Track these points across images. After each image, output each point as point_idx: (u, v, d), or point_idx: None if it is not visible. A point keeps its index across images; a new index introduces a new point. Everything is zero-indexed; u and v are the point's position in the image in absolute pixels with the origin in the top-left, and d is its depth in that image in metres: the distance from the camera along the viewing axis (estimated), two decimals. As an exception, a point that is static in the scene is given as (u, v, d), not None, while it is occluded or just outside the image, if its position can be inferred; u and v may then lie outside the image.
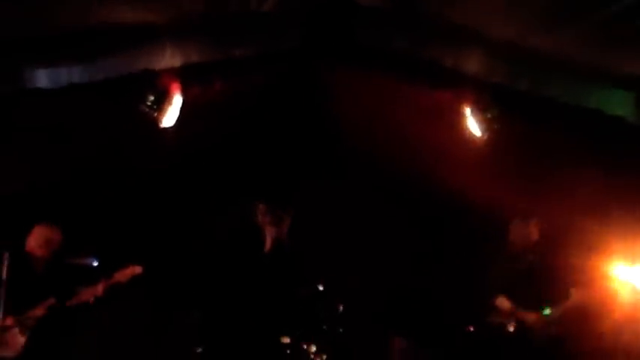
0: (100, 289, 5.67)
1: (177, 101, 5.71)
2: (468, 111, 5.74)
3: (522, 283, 6.00)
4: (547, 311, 5.86)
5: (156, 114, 5.66)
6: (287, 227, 5.56)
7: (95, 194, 6.52)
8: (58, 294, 5.61)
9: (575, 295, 5.81)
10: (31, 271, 5.66)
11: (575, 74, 5.34)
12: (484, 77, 5.45)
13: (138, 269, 5.82)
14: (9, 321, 5.34)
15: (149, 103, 5.62)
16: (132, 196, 6.79)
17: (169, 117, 5.74)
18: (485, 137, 5.76)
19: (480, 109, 5.68)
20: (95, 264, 6.13)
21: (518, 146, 6.00)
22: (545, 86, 5.44)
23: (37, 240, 5.72)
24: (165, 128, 5.73)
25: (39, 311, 5.52)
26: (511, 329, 5.96)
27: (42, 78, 5.23)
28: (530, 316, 5.88)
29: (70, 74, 5.30)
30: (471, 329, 6.59)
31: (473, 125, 5.77)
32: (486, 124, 5.71)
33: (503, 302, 6.03)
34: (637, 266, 5.75)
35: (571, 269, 5.83)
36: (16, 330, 5.44)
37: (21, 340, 5.46)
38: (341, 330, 6.82)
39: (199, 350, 6.49)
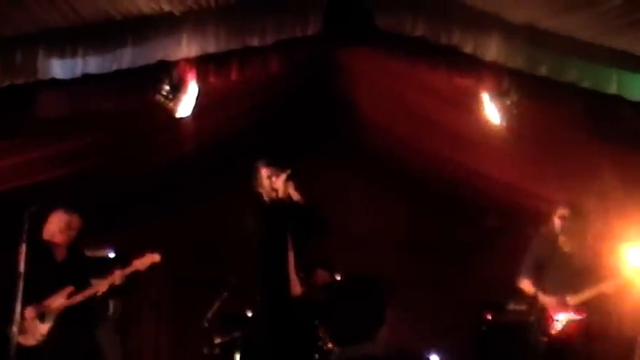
0: (117, 277, 5.56)
1: (193, 91, 5.67)
2: (486, 97, 5.70)
3: (546, 270, 5.95)
4: (568, 298, 5.80)
5: (171, 104, 5.62)
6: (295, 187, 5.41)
7: (111, 185, 6.49)
8: (77, 282, 5.51)
9: (597, 285, 5.74)
10: (52, 258, 5.56)
11: (594, 59, 5.29)
12: (503, 63, 5.40)
13: (157, 257, 5.69)
14: (29, 312, 5.29)
15: (164, 94, 5.57)
16: (148, 187, 6.77)
17: (185, 107, 5.70)
18: (504, 124, 5.71)
19: (498, 96, 5.61)
20: (112, 255, 6.11)
21: (537, 132, 5.96)
22: (564, 71, 5.38)
23: (56, 225, 5.56)
24: (181, 119, 5.70)
25: (58, 300, 5.46)
26: (530, 316, 5.94)
27: (56, 68, 5.20)
28: (551, 301, 5.84)
29: (85, 65, 5.26)
30: (489, 317, 6.62)
31: (492, 112, 5.72)
32: (505, 110, 5.65)
33: (527, 285, 6.01)
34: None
35: (593, 257, 5.80)
36: (36, 318, 5.39)
37: (41, 328, 5.40)
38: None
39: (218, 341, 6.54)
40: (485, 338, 6.68)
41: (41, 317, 5.41)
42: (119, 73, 5.34)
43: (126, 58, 5.30)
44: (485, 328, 6.70)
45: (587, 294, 5.78)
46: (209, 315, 6.74)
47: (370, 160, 7.66)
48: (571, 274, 5.85)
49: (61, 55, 5.19)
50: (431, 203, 7.68)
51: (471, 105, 5.81)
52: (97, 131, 5.82)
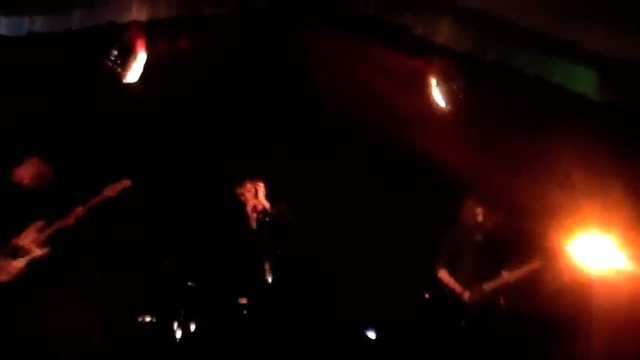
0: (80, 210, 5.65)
1: (141, 57, 5.60)
2: (433, 81, 5.77)
3: (465, 259, 6.30)
4: (484, 285, 6.17)
5: (119, 69, 5.55)
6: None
7: (56, 149, 6.36)
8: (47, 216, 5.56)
9: (505, 275, 6.16)
10: (18, 200, 5.57)
11: (540, 48, 5.40)
12: (452, 47, 5.46)
13: (127, 182, 5.89)
14: None
15: (112, 58, 5.50)
16: (93, 152, 6.66)
17: (133, 73, 5.63)
18: (450, 108, 5.80)
19: (445, 80, 5.70)
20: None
21: (481, 117, 6.06)
22: (511, 58, 5.47)
23: (30, 172, 5.65)
24: (129, 84, 5.63)
25: (29, 235, 5.47)
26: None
27: (2, 26, 5.08)
28: (467, 290, 6.20)
29: (32, 23, 5.15)
30: (427, 295, 6.78)
31: (437, 95, 5.80)
32: (451, 94, 5.75)
33: (444, 275, 6.36)
34: (584, 238, 5.94)
35: (511, 246, 6.21)
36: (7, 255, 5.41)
37: (15, 264, 5.39)
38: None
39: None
40: (423, 315, 6.84)
41: (13, 253, 5.42)
42: (68, 34, 5.26)
43: (73, 19, 5.22)
44: (424, 305, 6.87)
45: (499, 280, 6.15)
46: (148, 284, 6.73)
47: (324, 136, 7.66)
48: (485, 262, 6.21)
49: (7, 12, 5.09)
50: (382, 181, 7.74)
51: (420, 87, 5.87)
52: (39, 92, 5.72)
